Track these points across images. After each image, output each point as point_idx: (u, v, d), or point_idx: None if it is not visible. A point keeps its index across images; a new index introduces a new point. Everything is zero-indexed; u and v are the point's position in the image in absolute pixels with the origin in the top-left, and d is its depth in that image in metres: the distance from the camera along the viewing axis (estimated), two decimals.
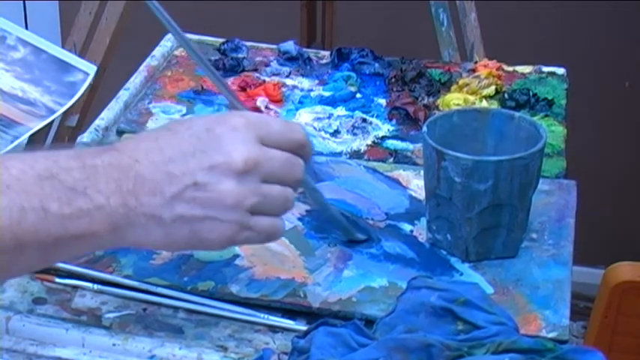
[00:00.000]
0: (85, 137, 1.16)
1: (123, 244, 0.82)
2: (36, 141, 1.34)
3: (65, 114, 1.31)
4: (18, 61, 1.30)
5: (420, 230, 1.02)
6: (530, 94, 1.26)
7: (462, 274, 0.97)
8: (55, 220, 0.76)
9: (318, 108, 1.25)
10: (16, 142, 1.19)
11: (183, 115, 1.23)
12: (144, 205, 0.79)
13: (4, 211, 0.74)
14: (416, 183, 1.09)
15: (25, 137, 1.21)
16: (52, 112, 1.26)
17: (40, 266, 0.83)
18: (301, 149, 0.85)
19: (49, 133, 1.37)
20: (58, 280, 0.95)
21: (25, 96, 1.26)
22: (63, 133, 1.51)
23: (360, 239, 1.00)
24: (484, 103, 1.25)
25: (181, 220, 0.80)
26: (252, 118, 0.83)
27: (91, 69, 1.32)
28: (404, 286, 0.85)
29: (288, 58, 1.36)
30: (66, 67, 1.31)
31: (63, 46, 1.54)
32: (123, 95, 1.24)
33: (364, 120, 1.22)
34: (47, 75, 1.29)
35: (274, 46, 1.38)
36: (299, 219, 1.03)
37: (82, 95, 1.44)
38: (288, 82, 1.31)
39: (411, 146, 1.18)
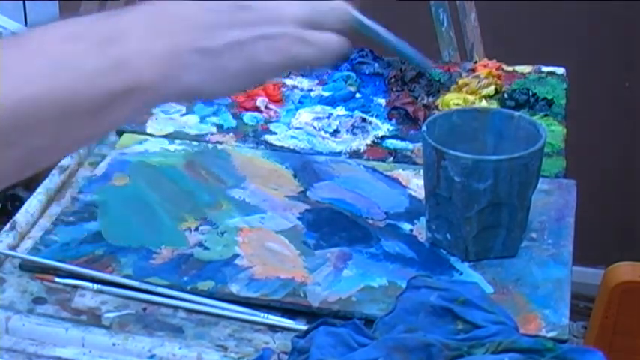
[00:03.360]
0: None
1: (177, 94, 0.73)
2: None
3: None
4: None
5: (419, 230, 1.02)
6: (530, 93, 1.26)
7: (461, 274, 0.97)
8: (95, 76, 0.68)
9: (318, 108, 1.25)
10: None
11: (183, 114, 1.23)
12: (193, 41, 0.73)
13: (36, 78, 0.66)
14: (415, 182, 1.09)
15: None
16: None
17: (91, 138, 0.74)
18: None
19: None
20: (57, 279, 0.95)
21: None
22: None
23: (427, 67, 0.88)
24: (484, 103, 1.25)
25: (235, 46, 0.74)
26: None
27: None
28: (404, 285, 0.85)
29: None
30: None
31: None
32: None
33: (364, 120, 1.22)
34: None
35: None
36: (298, 218, 1.03)
37: None
38: (288, 81, 1.31)
39: (410, 146, 1.18)
